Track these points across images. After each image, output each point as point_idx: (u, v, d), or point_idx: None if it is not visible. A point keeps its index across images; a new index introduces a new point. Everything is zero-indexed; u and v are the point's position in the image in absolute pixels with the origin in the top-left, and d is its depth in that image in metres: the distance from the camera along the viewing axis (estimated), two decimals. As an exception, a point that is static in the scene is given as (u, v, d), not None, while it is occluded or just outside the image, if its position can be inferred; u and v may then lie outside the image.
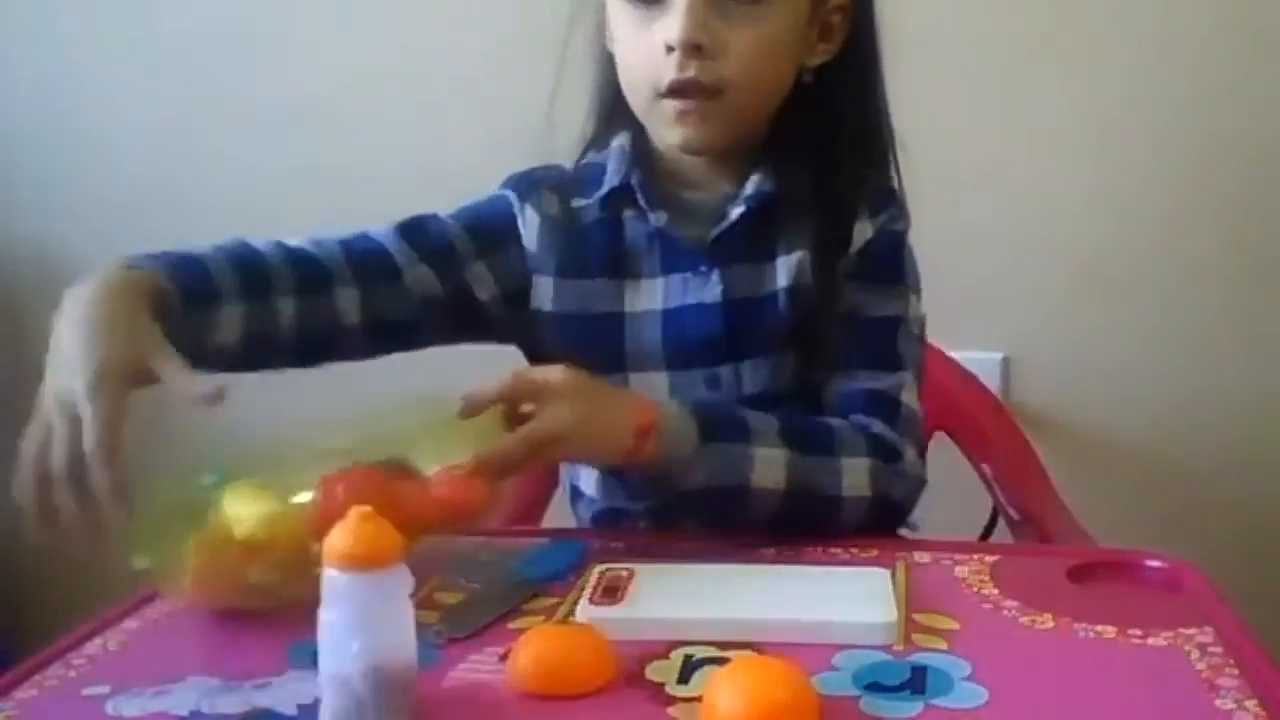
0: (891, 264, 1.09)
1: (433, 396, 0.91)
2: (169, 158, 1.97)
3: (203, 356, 0.90)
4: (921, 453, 1.07)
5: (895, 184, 1.13)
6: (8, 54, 1.99)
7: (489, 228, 1.12)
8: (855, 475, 0.99)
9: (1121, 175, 1.76)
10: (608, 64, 1.11)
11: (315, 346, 1.04)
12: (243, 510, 0.83)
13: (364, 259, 1.06)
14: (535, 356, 1.13)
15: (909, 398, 1.06)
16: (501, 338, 1.15)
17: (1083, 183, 1.77)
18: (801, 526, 0.97)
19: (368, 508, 0.69)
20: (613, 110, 1.13)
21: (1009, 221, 1.73)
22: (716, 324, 1.07)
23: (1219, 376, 1.79)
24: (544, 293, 1.11)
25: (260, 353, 0.99)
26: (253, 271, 0.99)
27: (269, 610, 0.82)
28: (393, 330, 1.08)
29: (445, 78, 1.87)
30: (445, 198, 1.89)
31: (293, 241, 1.05)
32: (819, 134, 1.09)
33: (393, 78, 1.89)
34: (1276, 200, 1.75)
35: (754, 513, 0.98)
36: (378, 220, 2.00)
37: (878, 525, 1.01)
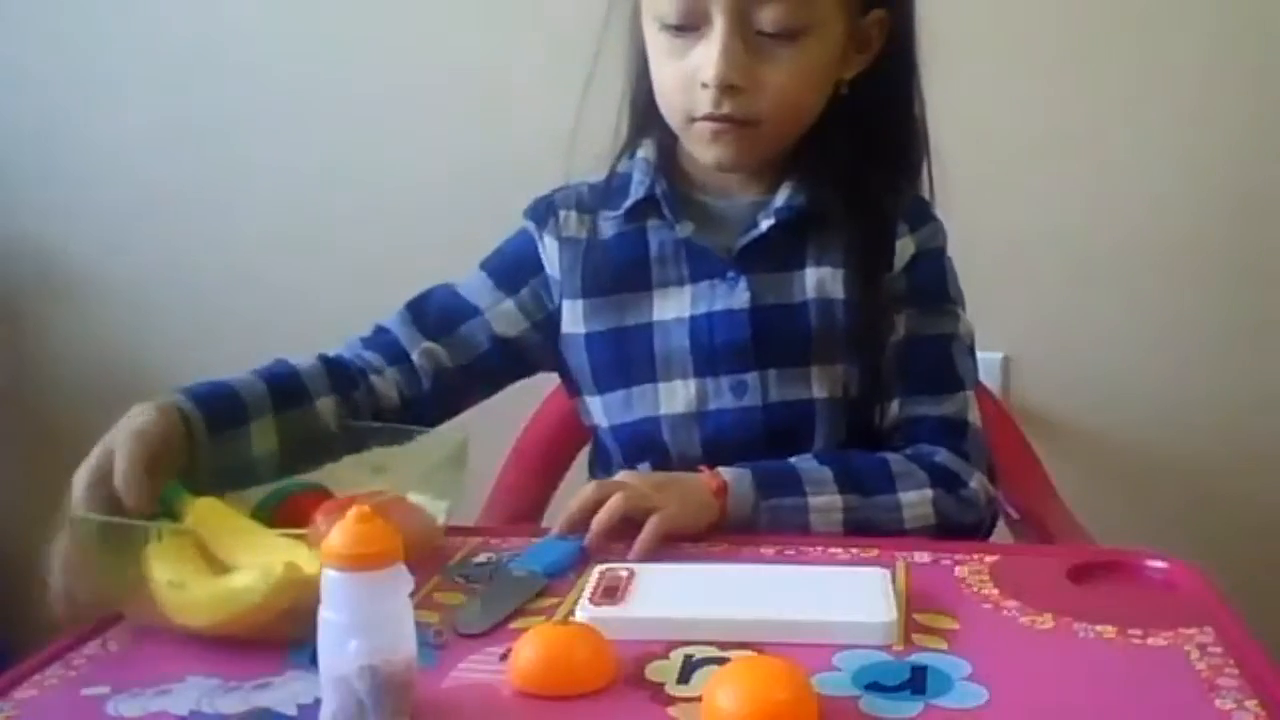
0: (939, 282, 1.10)
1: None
2: (169, 160, 1.97)
3: (248, 468, 0.94)
4: (990, 469, 1.07)
5: (928, 193, 1.12)
6: (9, 55, 1.99)
7: (512, 266, 1.14)
8: (917, 507, 1.01)
9: (1121, 176, 1.76)
10: (642, 70, 1.10)
11: (362, 432, 1.04)
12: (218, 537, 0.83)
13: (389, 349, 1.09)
14: (572, 380, 1.15)
15: (974, 416, 1.08)
16: (542, 366, 1.16)
17: (1082, 183, 1.77)
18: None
19: (366, 507, 0.69)
20: (645, 115, 1.13)
21: (1008, 222, 1.73)
22: (744, 330, 1.06)
23: (1219, 376, 1.79)
24: (574, 315, 1.11)
25: (307, 451, 0.99)
26: (283, 383, 1.01)
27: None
28: (430, 402, 1.09)
29: (450, 79, 1.87)
30: (449, 198, 1.90)
31: (329, 352, 1.08)
32: (852, 144, 1.08)
33: (398, 79, 1.89)
34: (1278, 200, 1.76)
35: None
36: (380, 219, 2.00)
37: None
